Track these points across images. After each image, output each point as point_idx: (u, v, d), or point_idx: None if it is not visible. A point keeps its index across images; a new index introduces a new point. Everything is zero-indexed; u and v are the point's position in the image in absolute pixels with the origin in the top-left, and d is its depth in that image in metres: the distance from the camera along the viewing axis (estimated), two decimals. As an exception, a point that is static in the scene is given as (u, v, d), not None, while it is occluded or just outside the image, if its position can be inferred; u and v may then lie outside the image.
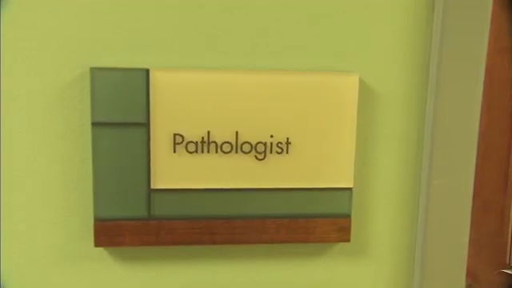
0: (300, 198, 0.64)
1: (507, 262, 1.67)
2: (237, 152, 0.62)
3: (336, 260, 0.67)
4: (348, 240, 0.65)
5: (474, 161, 0.66)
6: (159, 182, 0.62)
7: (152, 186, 0.61)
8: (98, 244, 0.62)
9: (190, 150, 0.61)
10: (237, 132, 0.62)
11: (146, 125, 0.60)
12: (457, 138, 0.65)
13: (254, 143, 0.62)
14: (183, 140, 0.61)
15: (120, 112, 0.60)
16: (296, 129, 0.63)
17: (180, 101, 0.61)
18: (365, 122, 0.64)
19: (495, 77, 1.58)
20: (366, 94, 0.64)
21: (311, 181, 0.64)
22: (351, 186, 0.64)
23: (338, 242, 0.66)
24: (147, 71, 0.59)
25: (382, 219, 0.67)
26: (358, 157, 0.65)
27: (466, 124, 0.65)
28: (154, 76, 0.60)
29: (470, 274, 1.83)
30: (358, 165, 0.65)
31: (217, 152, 0.62)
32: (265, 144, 0.62)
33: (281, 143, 0.63)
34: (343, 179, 0.64)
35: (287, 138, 0.63)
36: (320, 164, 0.64)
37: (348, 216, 0.65)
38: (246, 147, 0.62)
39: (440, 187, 0.66)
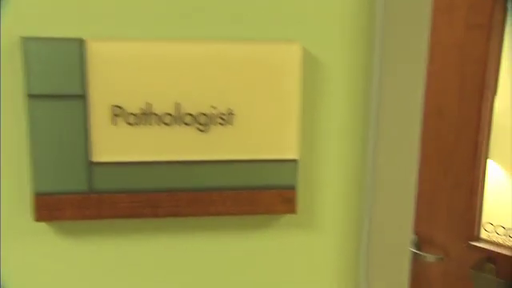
0: (245, 170, 0.63)
1: (476, 234, 1.69)
2: (178, 124, 0.61)
3: (283, 232, 0.67)
4: (294, 211, 0.65)
5: (418, 129, 0.65)
6: (99, 155, 0.60)
7: (92, 159, 0.60)
8: (38, 218, 0.61)
9: (130, 122, 0.60)
10: (178, 103, 0.61)
11: (83, 97, 0.59)
12: (402, 106, 0.65)
13: (195, 114, 0.61)
14: (123, 112, 0.60)
15: (56, 84, 0.58)
16: (239, 100, 0.62)
17: (118, 72, 0.59)
18: (310, 92, 0.64)
19: (468, 53, 1.58)
20: (310, 63, 0.63)
21: (255, 152, 0.63)
22: (296, 158, 0.64)
23: (284, 213, 0.65)
24: (82, 41, 0.58)
25: (329, 190, 0.67)
26: (304, 128, 0.64)
27: (412, 91, 0.64)
28: (90, 46, 0.58)
29: (442, 248, 1.87)
30: (304, 136, 0.64)
31: (158, 124, 0.61)
32: (207, 115, 0.61)
33: (223, 114, 0.62)
34: (288, 151, 0.64)
35: (230, 109, 0.62)
36: (264, 135, 0.63)
37: (294, 188, 0.64)
38: (188, 119, 0.61)
39: (386, 157, 0.66)
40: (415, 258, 1.78)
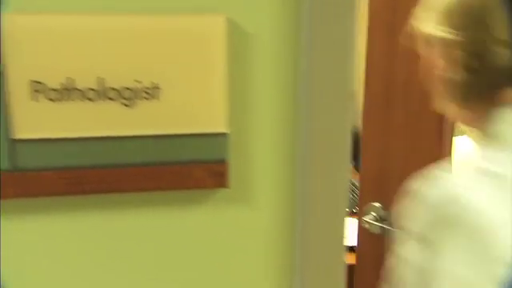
0: (173, 145, 0.63)
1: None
2: (102, 99, 0.60)
3: (216, 207, 0.66)
4: (226, 186, 0.65)
5: (350, 99, 0.65)
6: (21, 132, 0.59)
7: (14, 137, 0.59)
8: (-39, 198, 0.60)
9: (51, 97, 0.59)
10: (101, 78, 0.60)
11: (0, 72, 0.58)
12: (334, 75, 0.64)
13: (120, 89, 0.60)
14: (43, 87, 0.59)
15: (-28, 59, 0.57)
16: (164, 74, 0.61)
17: (37, 46, 0.58)
18: (237, 64, 0.63)
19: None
20: (236, 34, 0.62)
21: (183, 127, 0.62)
22: (226, 131, 0.63)
23: (216, 187, 0.65)
24: (-5, 15, 0.56)
25: (262, 164, 0.66)
26: (233, 101, 0.64)
27: (343, 59, 0.63)
28: (7, 20, 0.56)
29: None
30: (233, 109, 0.64)
31: (81, 99, 0.60)
32: (132, 90, 0.60)
33: (148, 89, 0.61)
34: (216, 124, 0.63)
35: (155, 84, 0.61)
36: (191, 109, 0.62)
37: (224, 161, 0.64)
38: (112, 94, 0.60)
39: (319, 128, 0.65)
40: (387, 234, 1.79)
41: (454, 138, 1.66)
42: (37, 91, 0.59)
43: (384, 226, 1.79)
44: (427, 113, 1.63)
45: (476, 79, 0.70)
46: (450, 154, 1.63)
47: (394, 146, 1.75)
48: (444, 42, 0.70)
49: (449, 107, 0.77)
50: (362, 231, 1.88)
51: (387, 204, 1.83)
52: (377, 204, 1.86)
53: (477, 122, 0.74)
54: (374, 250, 1.94)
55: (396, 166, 1.78)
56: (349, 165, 0.68)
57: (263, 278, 0.69)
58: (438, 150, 1.62)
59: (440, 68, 0.73)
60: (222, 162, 0.64)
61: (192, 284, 0.68)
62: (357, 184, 2.06)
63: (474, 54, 0.69)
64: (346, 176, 0.68)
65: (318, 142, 0.66)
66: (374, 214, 1.85)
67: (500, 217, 0.62)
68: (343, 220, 0.69)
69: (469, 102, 0.73)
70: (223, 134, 0.63)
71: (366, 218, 1.86)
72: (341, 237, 0.69)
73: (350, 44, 0.64)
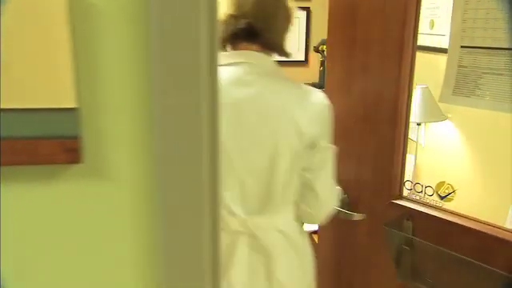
0: (22, 120, 0.63)
1: (398, 193, 1.69)
2: None
3: (71, 182, 0.66)
4: (79, 161, 0.64)
5: (205, 63, 0.64)
6: None
7: None
8: None
9: None
10: None
11: None
12: (185, 40, 0.63)
13: (-38, 64, 0.60)
14: None
15: None
16: (8, 48, 0.60)
17: None
18: (84, 38, 0.62)
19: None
20: (81, 7, 0.61)
21: (31, 101, 0.62)
22: (75, 106, 0.63)
23: (69, 163, 0.65)
24: None
25: (118, 139, 0.66)
26: (83, 76, 0.63)
27: (193, 21, 0.62)
28: None
29: (367, 206, 1.87)
30: (84, 84, 0.63)
31: None
32: (-26, 64, 0.60)
33: (-8, 63, 0.61)
34: (65, 99, 0.63)
35: (-2, 58, 0.61)
36: (38, 85, 0.62)
37: (76, 137, 0.64)
38: (-45, 68, 0.60)
39: (173, 103, 0.65)
40: (344, 218, 1.79)
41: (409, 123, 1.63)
42: None
43: (342, 210, 1.79)
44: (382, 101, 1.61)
45: (225, 35, 1.41)
46: (403, 136, 1.61)
47: (352, 128, 1.74)
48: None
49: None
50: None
51: (347, 187, 1.82)
52: (337, 187, 1.85)
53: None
54: (335, 233, 1.93)
55: (355, 149, 1.76)
56: (203, 139, 0.67)
57: (122, 253, 0.69)
58: (392, 133, 1.60)
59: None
60: (74, 138, 0.64)
61: (49, 261, 0.68)
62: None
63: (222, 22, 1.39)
64: (200, 146, 0.67)
65: (172, 115, 0.65)
66: (334, 197, 1.84)
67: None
68: (202, 188, 0.68)
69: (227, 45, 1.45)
70: (73, 110, 0.63)
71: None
72: (200, 205, 0.68)
73: (204, 12, 0.62)
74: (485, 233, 1.36)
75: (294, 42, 4.07)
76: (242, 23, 1.36)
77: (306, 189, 1.47)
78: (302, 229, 1.57)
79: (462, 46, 1.44)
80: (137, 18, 0.63)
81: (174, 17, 0.62)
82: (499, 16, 1.26)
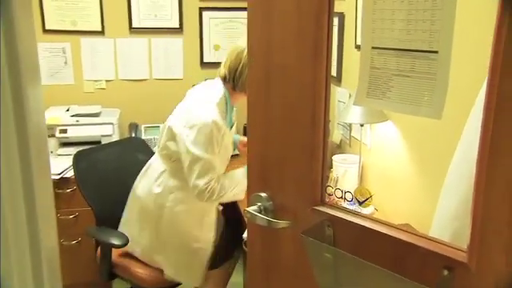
0: None
1: (319, 198, 1.64)
2: None
3: None
4: None
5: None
6: None
7: None
8: None
9: None
10: None
11: None
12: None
13: None
14: None
15: None
16: None
17: None
18: None
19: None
20: None
21: None
22: None
23: None
24: None
25: None
26: None
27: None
28: None
29: (291, 212, 1.80)
30: None
31: None
32: None
33: None
34: None
35: None
36: None
37: None
38: None
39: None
40: (269, 225, 1.72)
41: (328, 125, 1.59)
42: None
43: (265, 218, 1.72)
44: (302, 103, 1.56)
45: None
46: (322, 140, 1.56)
47: (272, 134, 1.68)
48: None
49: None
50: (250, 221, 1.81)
51: (271, 194, 1.76)
52: (263, 194, 1.79)
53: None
54: (263, 240, 1.88)
55: (276, 155, 1.70)
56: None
57: None
58: (310, 138, 1.54)
59: None
60: None
61: None
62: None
63: None
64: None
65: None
66: (259, 203, 1.79)
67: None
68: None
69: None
70: None
71: (251, 209, 1.79)
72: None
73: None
74: (398, 239, 1.32)
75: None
76: None
77: None
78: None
79: (373, 47, 1.39)
80: None
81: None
82: (402, 17, 1.22)
